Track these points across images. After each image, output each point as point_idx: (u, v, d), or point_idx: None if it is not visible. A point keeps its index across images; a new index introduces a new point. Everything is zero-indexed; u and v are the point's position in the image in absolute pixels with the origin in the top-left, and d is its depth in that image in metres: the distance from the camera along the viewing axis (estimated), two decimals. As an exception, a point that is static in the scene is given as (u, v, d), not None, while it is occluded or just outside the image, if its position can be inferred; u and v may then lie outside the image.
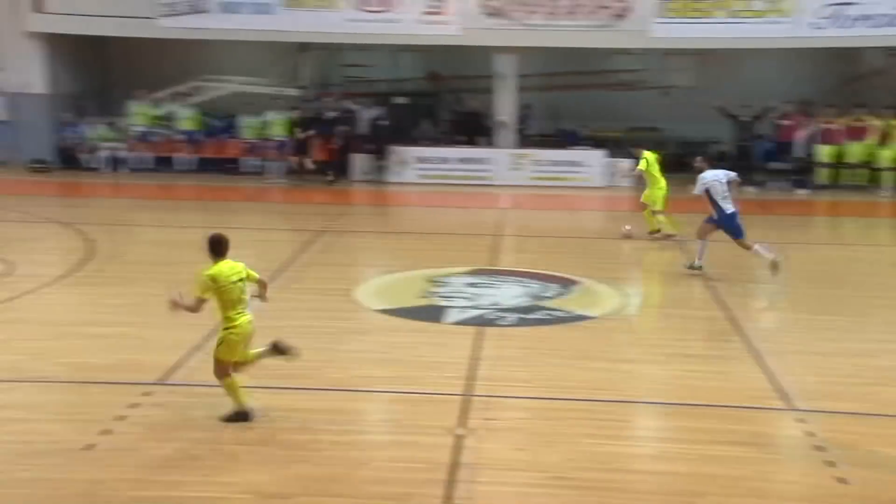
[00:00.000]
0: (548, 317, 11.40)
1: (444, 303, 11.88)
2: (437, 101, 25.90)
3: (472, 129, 24.11)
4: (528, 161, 22.53)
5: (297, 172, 22.52)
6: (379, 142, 22.92)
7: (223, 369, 7.76)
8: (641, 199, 16.18)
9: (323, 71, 25.50)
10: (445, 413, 8.11)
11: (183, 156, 23.54)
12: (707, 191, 13.21)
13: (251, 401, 7.86)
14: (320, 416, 8.08)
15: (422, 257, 14.70)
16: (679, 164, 22.09)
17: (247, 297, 7.88)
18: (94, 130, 23.42)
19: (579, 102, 24.33)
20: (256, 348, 7.97)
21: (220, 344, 7.75)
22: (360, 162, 23.03)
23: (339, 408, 8.41)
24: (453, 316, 11.28)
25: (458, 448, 7.39)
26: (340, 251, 15.66)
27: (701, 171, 13.49)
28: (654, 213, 16.01)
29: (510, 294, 12.37)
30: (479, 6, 22.12)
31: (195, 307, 7.63)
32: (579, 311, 11.57)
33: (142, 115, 23.58)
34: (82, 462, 7.07)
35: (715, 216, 13.27)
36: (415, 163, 22.89)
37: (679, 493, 6.74)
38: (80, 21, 22.17)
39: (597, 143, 23.52)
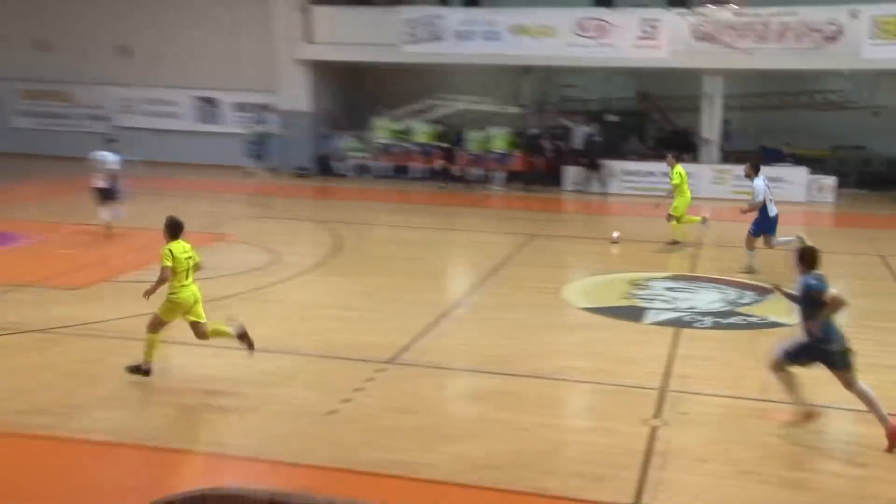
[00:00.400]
0: (743, 322, 10.98)
1: (644, 304, 11.70)
2: (645, 119, 25.43)
3: (678, 145, 23.47)
4: (730, 176, 21.67)
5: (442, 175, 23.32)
6: (591, 156, 22.79)
7: (155, 324, 8.30)
8: (670, 212, 15.54)
9: (542, 91, 25.62)
10: (641, 405, 8.01)
11: (417, 165, 24.35)
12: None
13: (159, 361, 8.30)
14: (529, 400, 8.19)
15: (625, 262, 14.51)
16: (886, 182, 20.63)
17: (192, 273, 8.38)
18: (345, 142, 24.65)
19: (784, 121, 23.16)
20: (222, 326, 8.47)
21: (163, 305, 8.30)
22: (571, 174, 22.99)
23: (546, 393, 8.48)
24: (652, 317, 11.09)
25: (652, 437, 7.29)
26: (551, 253, 15.72)
27: (750, 177, 13.54)
28: (669, 218, 15.48)
29: (707, 299, 12.01)
30: (690, 31, 21.53)
31: (163, 277, 8.22)
32: (774, 318, 11.05)
33: (384, 130, 24.57)
34: (327, 424, 7.51)
35: (759, 217, 13.32)
36: (622, 175, 22.61)
37: (870, 496, 6.37)
38: (340, 49, 23.39)
39: (799, 160, 22.31)
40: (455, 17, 22.99)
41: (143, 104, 25.74)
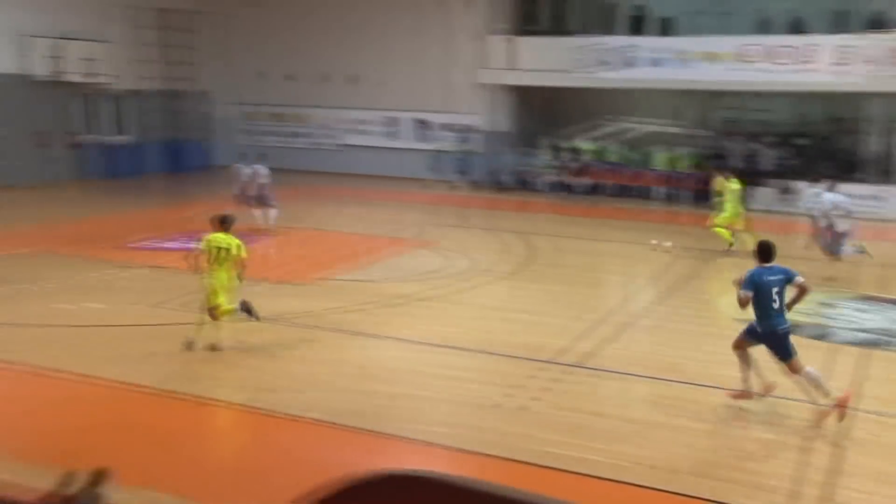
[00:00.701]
0: (937, 347, 9.77)
1: (831, 323, 10.69)
2: (834, 142, 23.45)
3: (868, 168, 21.46)
4: (928, 198, 19.54)
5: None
6: (780, 177, 21.27)
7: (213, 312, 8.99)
8: (724, 220, 15.23)
9: (731, 114, 24.28)
10: (823, 422, 7.27)
11: (608, 182, 23.80)
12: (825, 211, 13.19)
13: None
14: (703, 408, 7.72)
15: (810, 279, 13.35)
16: None
17: (229, 263, 8.97)
18: (541, 160, 24.48)
19: None
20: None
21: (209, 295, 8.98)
22: (758, 194, 21.57)
23: (720, 403, 7.91)
24: (839, 336, 10.11)
25: (835, 456, 6.59)
26: (733, 269, 14.66)
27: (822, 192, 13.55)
28: (730, 229, 15.13)
29: (898, 321, 10.80)
30: (886, 55, 19.64)
31: (193, 255, 9.12)
32: (972, 345, 9.77)
33: (577, 149, 24.24)
34: (505, 418, 7.40)
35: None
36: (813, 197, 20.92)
37: None
38: (540, 76, 23.33)
39: None
40: (648, 45, 22.26)
41: (366, 125, 26.83)
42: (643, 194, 23.17)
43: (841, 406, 7.13)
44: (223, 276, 9.01)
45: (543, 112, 25.03)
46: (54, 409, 7.61)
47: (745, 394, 7.58)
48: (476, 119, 24.84)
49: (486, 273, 13.42)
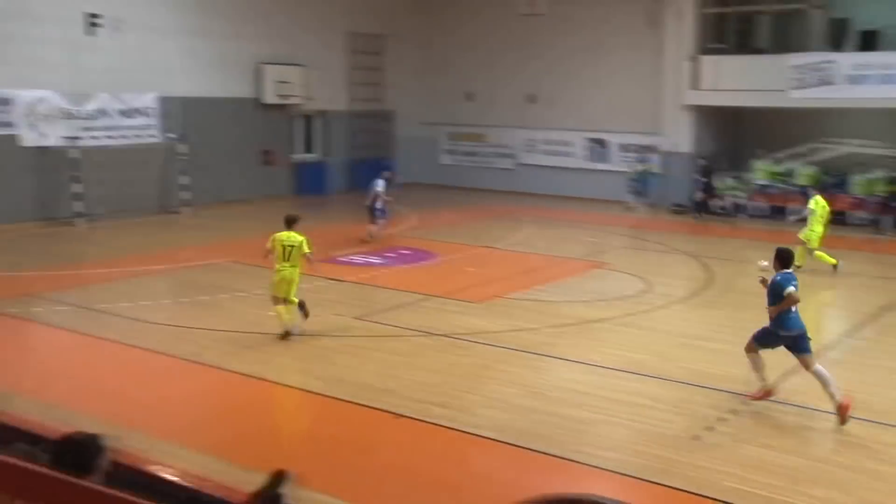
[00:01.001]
0: None
1: None
2: None
3: None
4: None
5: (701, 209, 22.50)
6: None
7: (275, 300, 10.18)
8: (801, 237, 15.07)
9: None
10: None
11: (796, 206, 22.55)
12: None
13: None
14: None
15: None
16: None
17: (296, 258, 10.05)
18: (722, 182, 23.59)
19: None
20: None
21: (271, 283, 10.19)
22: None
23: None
24: None
25: None
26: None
27: None
28: (809, 251, 14.88)
29: None
30: None
31: (264, 252, 10.20)
32: None
33: (763, 171, 23.14)
34: (687, 449, 7.30)
35: None
36: None
37: None
38: (724, 95, 22.57)
39: None
40: (848, 61, 20.90)
41: (542, 144, 27.01)
42: (838, 219, 21.76)
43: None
44: (294, 271, 10.08)
45: (727, 132, 24.18)
46: (247, 411, 8.30)
47: (765, 392, 8.29)
48: (657, 140, 24.39)
49: (664, 297, 13.18)
